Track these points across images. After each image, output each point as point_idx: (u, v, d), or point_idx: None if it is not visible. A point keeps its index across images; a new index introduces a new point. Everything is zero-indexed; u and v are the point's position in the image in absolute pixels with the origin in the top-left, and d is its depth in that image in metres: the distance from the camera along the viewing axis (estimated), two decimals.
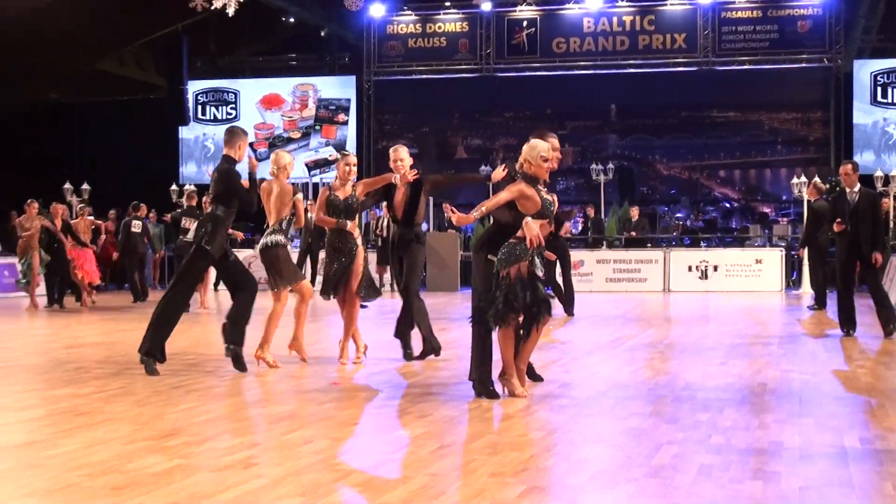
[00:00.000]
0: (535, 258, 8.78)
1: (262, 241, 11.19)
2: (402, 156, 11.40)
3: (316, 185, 33.11)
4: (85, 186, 28.41)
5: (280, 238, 11.05)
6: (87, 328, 16.58)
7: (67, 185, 28.31)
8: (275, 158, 11.34)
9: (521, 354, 8.98)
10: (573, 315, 18.26)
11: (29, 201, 20.73)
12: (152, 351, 10.55)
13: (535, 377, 9.71)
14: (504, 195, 8.74)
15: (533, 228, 8.64)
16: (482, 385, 8.93)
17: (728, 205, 35.73)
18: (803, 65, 33.82)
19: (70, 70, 38.26)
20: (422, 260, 11.84)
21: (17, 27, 32.99)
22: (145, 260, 24.42)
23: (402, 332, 11.89)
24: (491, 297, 8.76)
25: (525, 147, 8.92)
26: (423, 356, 11.67)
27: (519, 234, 8.72)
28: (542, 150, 8.84)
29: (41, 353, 13.22)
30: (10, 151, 36.61)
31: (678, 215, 34.24)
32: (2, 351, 13.42)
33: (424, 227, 12.37)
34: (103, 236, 26.78)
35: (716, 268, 26.66)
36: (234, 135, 10.99)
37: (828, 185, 23.84)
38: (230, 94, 36.17)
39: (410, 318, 11.73)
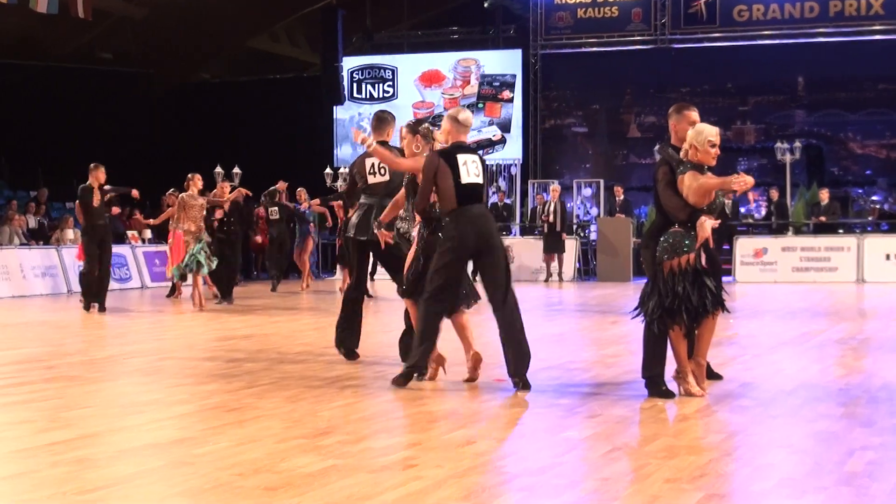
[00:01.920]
0: (702, 250, 8.67)
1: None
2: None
3: None
4: (236, 170, 28.97)
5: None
6: (238, 320, 16.92)
7: (218, 169, 28.86)
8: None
9: (698, 350, 8.89)
10: None
11: (190, 175, 19.28)
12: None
13: (713, 375, 9.60)
14: (698, 182, 8.59)
15: (707, 229, 8.54)
16: (655, 384, 8.87)
17: None
18: None
19: (221, 49, 39.07)
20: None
21: (168, 7, 33.84)
22: (284, 248, 24.83)
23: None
24: (647, 296, 8.73)
25: (691, 132, 8.74)
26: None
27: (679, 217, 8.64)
28: (709, 134, 8.65)
29: (192, 345, 13.56)
30: (158, 135, 37.56)
31: (874, 198, 33.41)
32: (154, 343, 13.82)
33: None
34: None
35: None
36: (382, 120, 10.95)
37: None
38: (387, 72, 36.41)
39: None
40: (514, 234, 30.54)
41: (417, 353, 9.48)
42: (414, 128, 10.29)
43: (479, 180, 9.43)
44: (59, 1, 25.74)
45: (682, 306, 8.55)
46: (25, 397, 9.17)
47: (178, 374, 10.78)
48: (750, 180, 8.65)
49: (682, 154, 8.75)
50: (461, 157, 9.39)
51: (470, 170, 9.37)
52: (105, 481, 6.12)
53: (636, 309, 8.97)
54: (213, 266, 18.99)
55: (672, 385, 8.90)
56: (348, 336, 11.24)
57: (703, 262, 8.67)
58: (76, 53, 35.72)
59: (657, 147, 9.19)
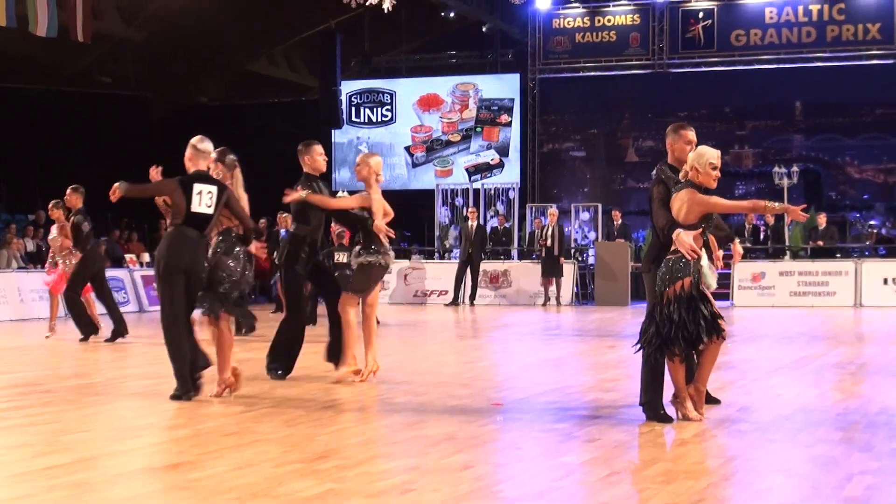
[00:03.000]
0: (701, 272, 8.63)
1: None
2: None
3: (476, 191, 33.20)
4: None
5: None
6: (235, 343, 16.84)
7: None
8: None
9: (698, 377, 8.86)
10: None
11: None
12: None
13: (711, 400, 9.58)
14: (696, 198, 8.59)
15: (685, 241, 8.52)
16: (653, 408, 8.86)
17: None
18: None
19: (220, 72, 39.06)
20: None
21: (167, 31, 33.85)
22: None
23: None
24: (646, 327, 8.72)
25: (692, 154, 8.76)
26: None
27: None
28: (710, 157, 8.65)
29: None
30: (157, 158, 37.52)
31: (872, 222, 33.40)
32: (151, 367, 13.77)
33: None
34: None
35: None
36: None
37: None
38: (385, 95, 36.46)
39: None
40: (513, 258, 30.53)
41: (179, 377, 10.30)
42: (220, 157, 10.84)
43: (210, 212, 10.15)
44: (58, 24, 25.78)
45: (679, 333, 8.53)
46: (22, 421, 9.15)
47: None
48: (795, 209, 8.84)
49: (681, 175, 8.74)
50: (197, 187, 10.17)
51: (203, 200, 10.12)
52: None
53: (637, 343, 8.95)
54: None
55: (670, 409, 8.88)
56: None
57: (701, 287, 8.66)
58: (75, 77, 35.72)
59: (655, 170, 9.20)
